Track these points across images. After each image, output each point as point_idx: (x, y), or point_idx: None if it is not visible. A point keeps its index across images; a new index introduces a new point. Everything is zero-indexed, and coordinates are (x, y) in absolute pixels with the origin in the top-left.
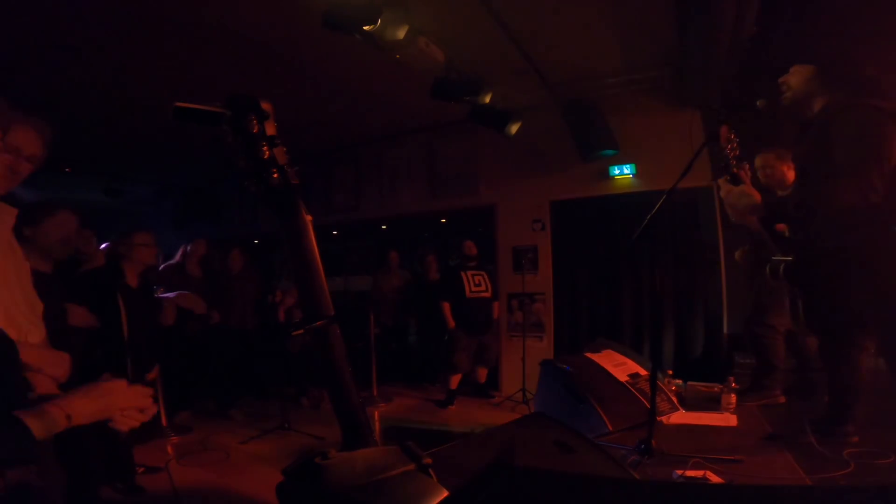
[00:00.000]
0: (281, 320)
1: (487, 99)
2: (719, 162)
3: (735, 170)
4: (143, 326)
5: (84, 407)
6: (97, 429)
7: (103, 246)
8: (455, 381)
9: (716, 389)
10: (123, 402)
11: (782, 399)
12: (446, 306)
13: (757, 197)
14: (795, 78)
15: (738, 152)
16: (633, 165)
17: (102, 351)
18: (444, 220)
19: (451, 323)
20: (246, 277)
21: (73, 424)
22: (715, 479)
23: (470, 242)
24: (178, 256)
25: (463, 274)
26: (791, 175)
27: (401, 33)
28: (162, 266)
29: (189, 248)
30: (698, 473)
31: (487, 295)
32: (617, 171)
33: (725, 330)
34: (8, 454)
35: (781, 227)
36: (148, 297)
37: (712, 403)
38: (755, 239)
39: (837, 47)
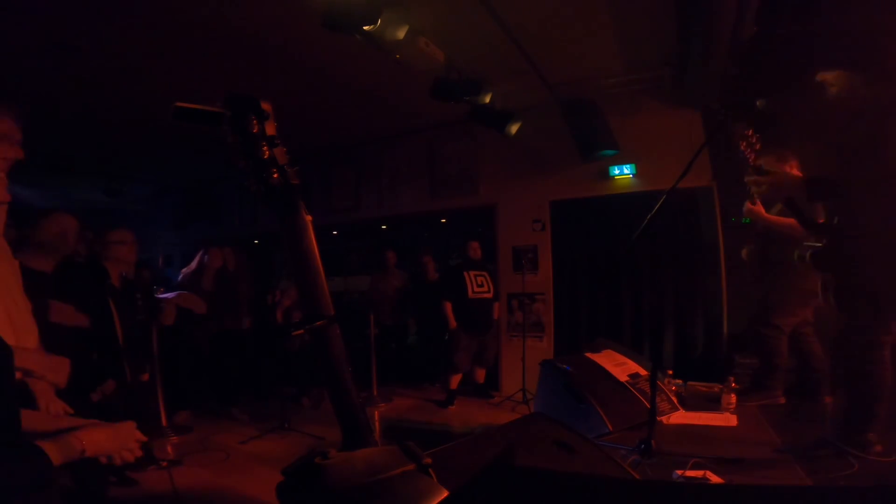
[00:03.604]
0: (279, 321)
1: (487, 99)
2: (744, 163)
3: (758, 163)
4: (134, 327)
5: (98, 443)
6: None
7: None
8: (455, 381)
9: (716, 389)
10: (128, 442)
11: (782, 400)
12: (448, 306)
13: (797, 175)
14: (836, 77)
15: (758, 146)
16: (633, 165)
17: (99, 354)
18: (444, 221)
19: (453, 323)
20: (238, 278)
21: (85, 456)
22: (715, 479)
23: (475, 244)
24: (194, 264)
25: (465, 274)
26: (794, 174)
27: (401, 33)
28: (181, 273)
29: (206, 258)
30: (698, 473)
31: (489, 296)
32: (617, 171)
33: (725, 330)
34: (30, 481)
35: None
36: (130, 295)
37: (712, 403)
38: (760, 238)
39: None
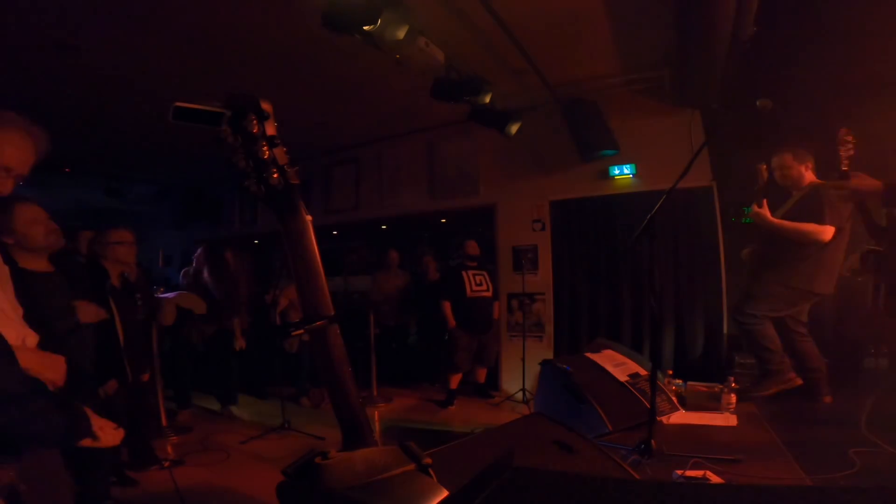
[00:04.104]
0: (277, 323)
1: (487, 99)
2: (835, 163)
3: (845, 168)
4: (133, 327)
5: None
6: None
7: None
8: (455, 380)
9: (716, 389)
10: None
11: (799, 381)
12: (447, 305)
13: (876, 182)
14: None
15: (852, 152)
16: (633, 165)
17: (101, 353)
18: (444, 220)
19: (452, 322)
20: (235, 278)
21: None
22: (715, 479)
23: (472, 242)
24: (195, 263)
25: (464, 273)
26: (809, 175)
27: (401, 33)
28: (182, 273)
29: (202, 259)
30: (698, 473)
31: (488, 295)
32: (617, 171)
33: (725, 330)
34: (71, 433)
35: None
36: (131, 295)
37: (712, 403)
38: (763, 239)
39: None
